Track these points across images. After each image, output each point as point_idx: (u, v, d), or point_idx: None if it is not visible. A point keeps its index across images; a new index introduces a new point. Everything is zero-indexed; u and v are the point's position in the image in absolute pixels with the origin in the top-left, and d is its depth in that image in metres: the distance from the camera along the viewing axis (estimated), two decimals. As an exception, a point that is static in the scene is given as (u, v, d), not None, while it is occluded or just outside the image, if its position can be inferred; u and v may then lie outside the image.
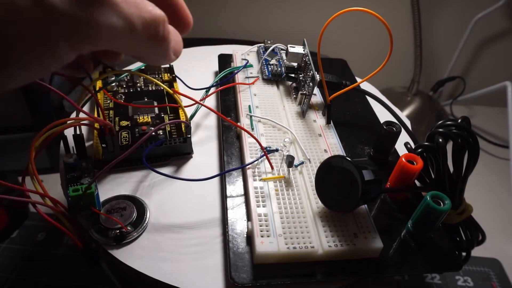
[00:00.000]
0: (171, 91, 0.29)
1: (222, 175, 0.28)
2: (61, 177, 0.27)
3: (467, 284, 0.39)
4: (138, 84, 0.35)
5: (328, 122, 0.32)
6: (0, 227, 0.38)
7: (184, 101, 0.30)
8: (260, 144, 0.28)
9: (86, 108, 0.35)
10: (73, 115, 0.26)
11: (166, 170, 0.29)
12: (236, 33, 0.68)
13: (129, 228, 0.24)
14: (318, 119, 0.32)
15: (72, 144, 0.27)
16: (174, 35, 0.19)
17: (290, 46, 0.35)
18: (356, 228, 0.23)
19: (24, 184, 0.23)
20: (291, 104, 0.34)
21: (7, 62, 0.13)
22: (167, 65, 0.36)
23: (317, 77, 0.30)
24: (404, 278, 0.38)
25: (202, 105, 0.29)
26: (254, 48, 0.40)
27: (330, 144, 0.30)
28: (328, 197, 0.24)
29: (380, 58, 0.28)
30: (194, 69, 0.41)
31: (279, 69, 0.36)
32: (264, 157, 0.27)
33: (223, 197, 0.26)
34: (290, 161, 0.26)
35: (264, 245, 0.22)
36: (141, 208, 0.26)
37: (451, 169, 0.25)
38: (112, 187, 0.27)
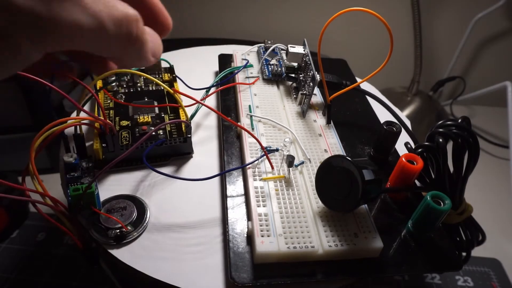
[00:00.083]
0: (171, 91, 0.29)
1: (223, 175, 0.28)
2: (61, 177, 0.27)
3: (467, 284, 0.39)
4: (139, 84, 0.35)
5: (328, 122, 0.32)
6: (0, 227, 0.38)
7: (185, 101, 0.30)
8: (260, 144, 0.28)
9: (86, 108, 0.35)
10: (74, 114, 0.26)
11: (166, 169, 0.29)
12: (236, 33, 0.68)
13: (129, 227, 0.24)
14: (318, 119, 0.32)
15: (72, 144, 0.27)
16: (152, 36, 0.18)
17: (290, 46, 0.35)
18: (356, 228, 0.23)
19: (24, 184, 0.23)
20: (291, 104, 0.34)
21: None
22: (168, 65, 0.36)
23: (317, 77, 0.30)
24: (404, 278, 0.38)
25: (203, 104, 0.29)
26: (254, 48, 0.40)
27: (330, 144, 0.30)
28: (328, 197, 0.24)
29: (380, 58, 0.28)
30: (195, 69, 0.41)
31: (279, 69, 0.36)
32: (265, 157, 0.27)
33: (224, 197, 0.26)
34: (290, 161, 0.26)
35: (264, 245, 0.22)
36: (141, 208, 0.26)
37: (451, 169, 0.25)
38: (112, 187, 0.27)
